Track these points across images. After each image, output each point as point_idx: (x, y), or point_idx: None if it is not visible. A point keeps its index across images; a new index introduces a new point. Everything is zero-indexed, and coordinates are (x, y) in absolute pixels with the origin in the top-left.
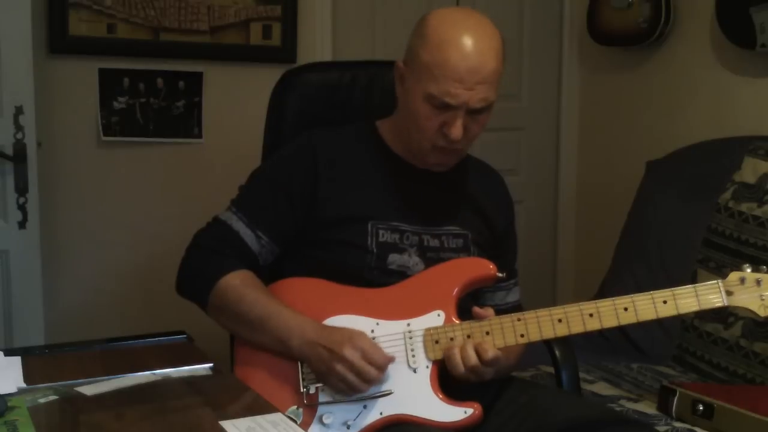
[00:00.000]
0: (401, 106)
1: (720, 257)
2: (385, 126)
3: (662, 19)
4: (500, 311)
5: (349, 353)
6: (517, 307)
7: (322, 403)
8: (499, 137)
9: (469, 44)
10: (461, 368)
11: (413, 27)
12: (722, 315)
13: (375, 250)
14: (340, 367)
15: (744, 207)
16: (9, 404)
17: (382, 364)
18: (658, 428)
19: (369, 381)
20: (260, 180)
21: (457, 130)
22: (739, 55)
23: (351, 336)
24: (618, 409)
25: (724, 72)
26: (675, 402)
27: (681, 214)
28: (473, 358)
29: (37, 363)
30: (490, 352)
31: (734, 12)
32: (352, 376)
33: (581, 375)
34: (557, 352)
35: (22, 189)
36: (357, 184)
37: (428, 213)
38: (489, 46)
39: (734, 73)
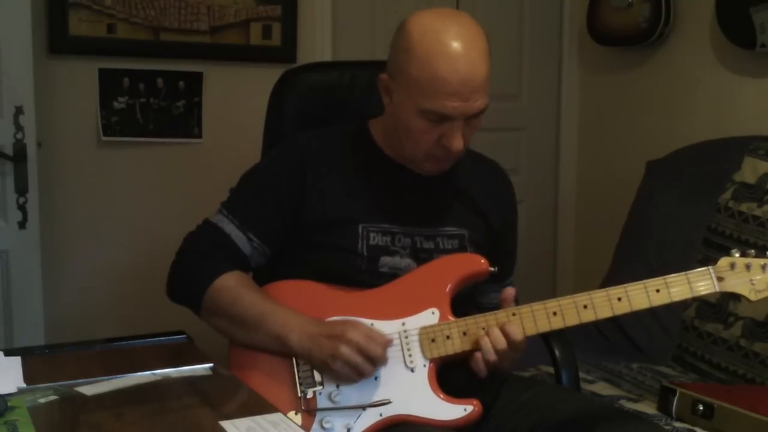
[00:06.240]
0: (391, 116)
1: (720, 257)
2: (376, 126)
3: (662, 19)
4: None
5: (353, 333)
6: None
7: (321, 409)
8: (499, 137)
9: (458, 55)
10: (492, 355)
11: (394, 35)
12: (722, 315)
13: (366, 254)
14: (345, 349)
15: (744, 207)
16: (9, 404)
17: (384, 343)
18: None
19: (374, 360)
20: (250, 183)
21: (458, 143)
22: (739, 55)
23: (352, 322)
24: None
25: (724, 72)
26: (675, 402)
27: (681, 214)
28: (502, 341)
29: (37, 363)
30: (519, 334)
31: (734, 12)
32: (358, 357)
33: (581, 375)
34: (557, 352)
35: (22, 189)
36: (347, 186)
37: (421, 214)
38: (477, 52)
39: (734, 73)
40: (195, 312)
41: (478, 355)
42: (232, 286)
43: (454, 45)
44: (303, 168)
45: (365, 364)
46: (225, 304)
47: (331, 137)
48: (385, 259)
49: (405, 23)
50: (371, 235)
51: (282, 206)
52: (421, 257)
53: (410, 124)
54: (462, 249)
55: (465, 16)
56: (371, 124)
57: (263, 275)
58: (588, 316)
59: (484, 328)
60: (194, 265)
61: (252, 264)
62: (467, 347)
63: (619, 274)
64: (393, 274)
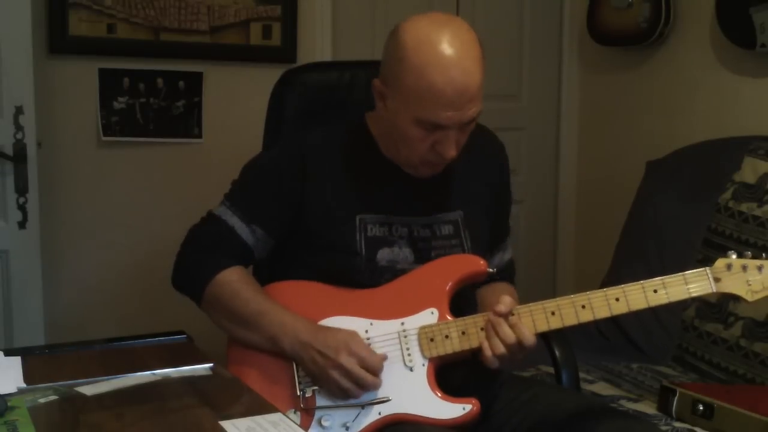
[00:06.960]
0: (386, 120)
1: (720, 257)
2: (373, 120)
3: (662, 19)
4: (499, 270)
5: (346, 360)
6: (511, 264)
7: (320, 408)
8: (499, 137)
9: (452, 65)
10: (501, 349)
11: (387, 41)
12: (722, 315)
13: (364, 248)
14: (335, 374)
15: (744, 207)
16: (9, 404)
17: (378, 370)
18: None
19: (365, 387)
20: (252, 176)
21: (451, 150)
22: (739, 55)
23: (347, 341)
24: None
25: (724, 72)
26: (675, 402)
27: (681, 214)
28: (511, 336)
29: (37, 363)
30: (528, 334)
31: (734, 12)
32: (349, 383)
33: (581, 375)
34: (557, 352)
35: (22, 189)
36: (345, 181)
37: (417, 202)
38: (471, 60)
39: (734, 73)
40: (196, 303)
41: (486, 345)
42: (233, 281)
43: (449, 55)
44: (304, 166)
45: (356, 389)
46: (224, 298)
47: (332, 134)
48: (384, 252)
49: (398, 31)
50: (369, 226)
51: (282, 203)
52: (419, 246)
53: (405, 132)
54: (457, 233)
55: (458, 21)
56: (369, 117)
57: (263, 276)
58: (586, 316)
59: (482, 328)
60: (198, 257)
61: (255, 255)
62: (466, 346)
63: (619, 274)
64: (391, 267)
